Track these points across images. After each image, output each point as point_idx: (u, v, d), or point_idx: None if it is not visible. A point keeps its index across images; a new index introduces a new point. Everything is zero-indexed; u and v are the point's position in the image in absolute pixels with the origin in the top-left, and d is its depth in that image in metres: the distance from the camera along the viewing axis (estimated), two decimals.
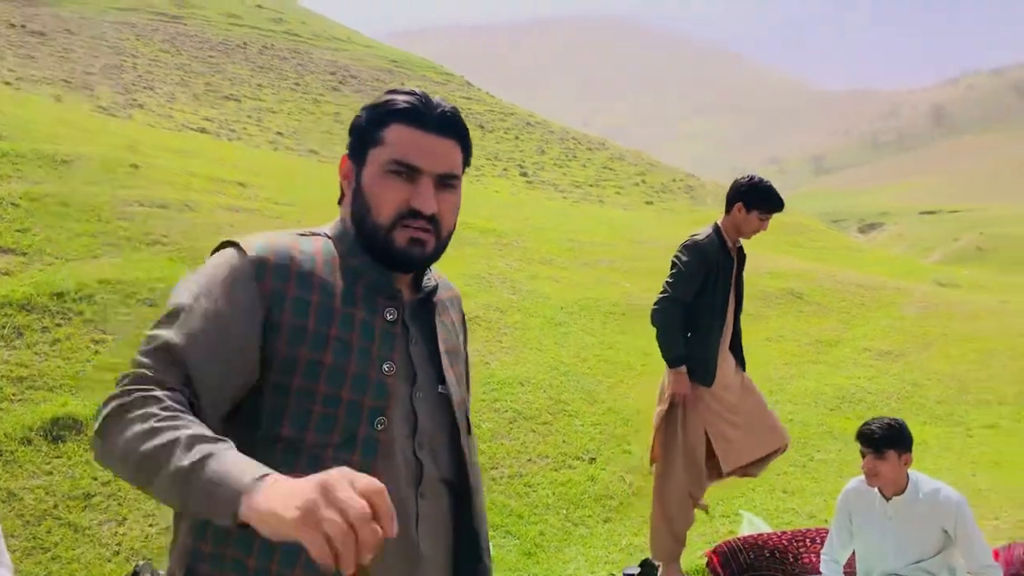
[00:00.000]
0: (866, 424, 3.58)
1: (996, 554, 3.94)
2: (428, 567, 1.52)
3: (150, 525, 4.59)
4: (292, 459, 1.42)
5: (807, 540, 4.47)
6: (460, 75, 40.85)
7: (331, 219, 1.65)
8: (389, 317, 1.53)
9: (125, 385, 1.32)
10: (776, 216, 4.40)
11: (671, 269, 4.34)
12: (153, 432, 1.23)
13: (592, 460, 6.17)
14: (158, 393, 1.30)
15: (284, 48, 36.05)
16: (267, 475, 1.14)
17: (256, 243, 1.49)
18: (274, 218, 9.91)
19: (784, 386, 8.54)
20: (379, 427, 1.47)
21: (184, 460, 1.18)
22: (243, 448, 1.27)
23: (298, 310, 1.46)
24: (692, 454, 4.33)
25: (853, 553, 3.92)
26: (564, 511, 5.51)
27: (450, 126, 1.55)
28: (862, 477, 3.66)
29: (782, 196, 4.33)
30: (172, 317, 1.41)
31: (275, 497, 1.09)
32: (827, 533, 4.35)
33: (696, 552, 4.82)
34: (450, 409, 1.62)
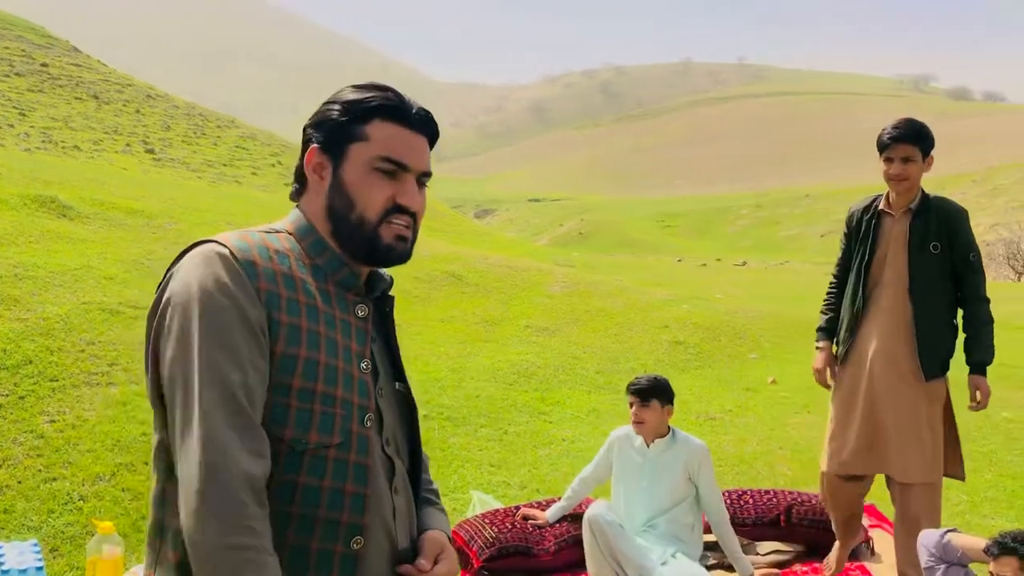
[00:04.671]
0: (636, 379, 4.07)
1: None
2: (401, 558, 1.57)
3: None
4: (296, 462, 1.42)
5: (541, 509, 4.68)
6: (65, 39, 36.72)
7: None
8: (360, 314, 1.56)
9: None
10: None
11: None
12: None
13: None
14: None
15: None
16: None
17: (237, 244, 1.46)
18: None
19: (464, 364, 8.84)
20: (368, 424, 1.51)
21: None
22: None
23: (291, 309, 1.44)
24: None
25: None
26: None
27: (427, 125, 1.58)
28: (631, 426, 4.10)
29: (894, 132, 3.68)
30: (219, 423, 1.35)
31: None
32: (552, 503, 4.65)
33: None
34: (406, 404, 1.68)
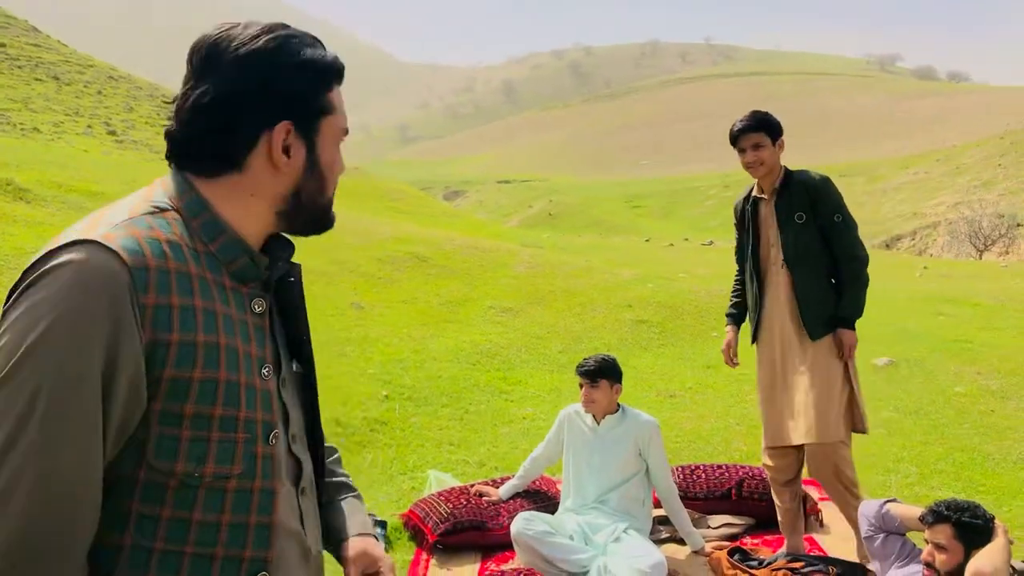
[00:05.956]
0: (584, 360, 4.18)
1: None
2: (314, 562, 1.43)
3: None
4: (190, 497, 1.21)
5: (495, 486, 4.74)
6: (23, 18, 36.04)
7: None
8: (258, 309, 1.32)
9: None
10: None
11: None
12: None
13: None
14: None
15: None
16: None
17: (125, 243, 1.16)
18: None
19: (427, 345, 8.86)
20: (273, 441, 1.30)
21: None
22: (123, 491, 1.17)
23: (185, 323, 1.18)
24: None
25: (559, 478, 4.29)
26: None
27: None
28: (581, 404, 4.20)
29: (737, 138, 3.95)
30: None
31: None
32: (506, 481, 4.73)
33: (387, 512, 4.87)
34: (305, 386, 1.46)
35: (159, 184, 1.31)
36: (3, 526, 1.05)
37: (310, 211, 1.35)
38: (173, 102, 1.30)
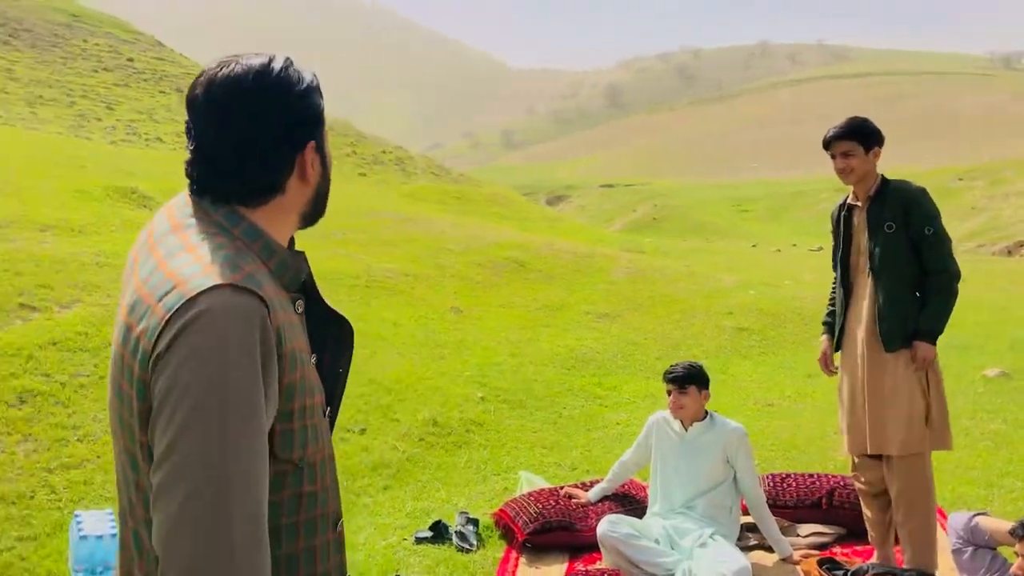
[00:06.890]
0: (671, 366, 4.25)
1: None
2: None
3: None
4: (300, 476, 1.44)
5: (584, 489, 4.84)
6: (150, 34, 37.93)
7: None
8: (300, 309, 1.51)
9: None
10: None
11: None
12: None
13: (363, 431, 6.20)
14: None
15: None
16: None
17: (247, 278, 1.33)
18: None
19: (523, 349, 9.00)
20: (326, 416, 1.55)
21: None
22: None
23: (289, 336, 1.39)
24: None
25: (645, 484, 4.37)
26: (344, 483, 5.50)
27: None
28: (668, 411, 4.26)
29: (828, 134, 3.97)
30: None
31: None
32: (596, 483, 4.82)
33: (479, 510, 5.02)
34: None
35: (195, 212, 1.43)
36: (237, 515, 1.25)
37: (323, 206, 1.56)
38: (191, 146, 1.44)
